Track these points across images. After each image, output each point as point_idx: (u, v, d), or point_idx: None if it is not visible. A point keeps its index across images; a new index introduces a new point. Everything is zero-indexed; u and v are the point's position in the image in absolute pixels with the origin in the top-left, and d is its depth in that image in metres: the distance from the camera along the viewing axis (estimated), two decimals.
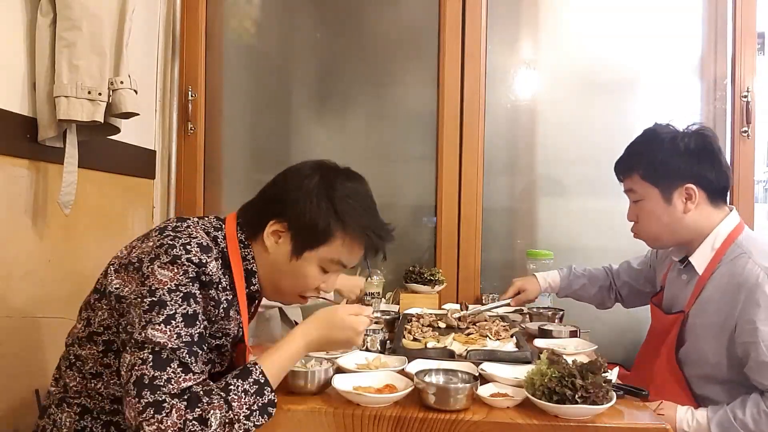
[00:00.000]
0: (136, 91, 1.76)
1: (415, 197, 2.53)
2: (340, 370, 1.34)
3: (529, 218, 2.54)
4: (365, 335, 1.53)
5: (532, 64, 2.53)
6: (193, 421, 1.03)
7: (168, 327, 1.09)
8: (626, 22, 2.47)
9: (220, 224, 1.28)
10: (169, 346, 1.08)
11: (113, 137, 1.89)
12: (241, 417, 1.07)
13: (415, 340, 1.62)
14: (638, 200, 1.67)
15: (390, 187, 2.54)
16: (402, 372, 1.33)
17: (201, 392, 1.07)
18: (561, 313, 2.08)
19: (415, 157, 2.53)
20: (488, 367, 1.36)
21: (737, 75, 2.38)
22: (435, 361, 1.41)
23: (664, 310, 1.74)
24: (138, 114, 1.79)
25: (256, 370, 1.13)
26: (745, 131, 2.37)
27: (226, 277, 1.23)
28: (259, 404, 1.10)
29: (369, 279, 2.28)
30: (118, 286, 1.18)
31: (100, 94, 1.67)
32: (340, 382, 1.24)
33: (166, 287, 1.11)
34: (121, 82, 1.71)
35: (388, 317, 1.90)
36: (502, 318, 1.89)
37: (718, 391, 1.54)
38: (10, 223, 1.63)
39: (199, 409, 1.04)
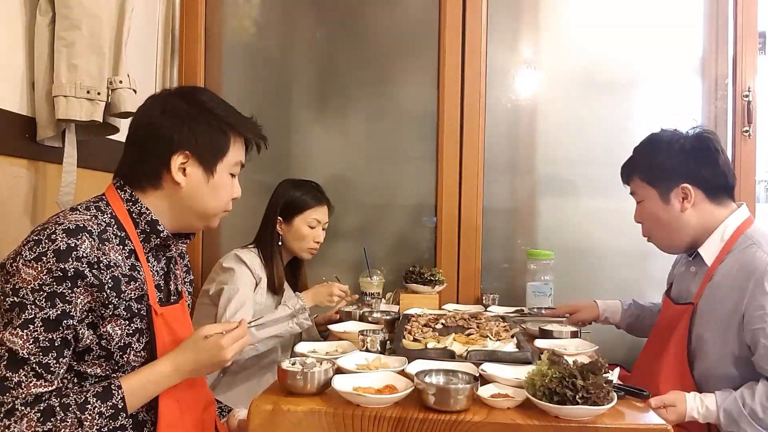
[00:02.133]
0: (135, 91, 1.75)
1: (415, 197, 2.53)
2: (340, 370, 1.33)
3: (529, 218, 2.53)
4: (365, 336, 1.53)
5: (533, 63, 2.53)
6: None
7: (25, 331, 1.07)
8: (627, 21, 2.47)
9: (99, 196, 1.28)
10: (23, 352, 1.06)
11: (112, 137, 1.89)
12: None
13: (415, 340, 1.61)
14: (640, 201, 1.73)
15: (390, 187, 2.54)
16: (402, 372, 1.32)
17: (57, 406, 1.08)
18: None
19: (415, 157, 2.53)
20: (489, 368, 1.35)
21: (738, 74, 2.38)
22: (435, 361, 1.41)
23: (673, 302, 1.76)
24: None
25: (118, 394, 1.14)
26: (747, 131, 2.37)
27: (120, 244, 1.21)
28: (110, 427, 1.13)
29: (369, 279, 2.28)
30: None
31: (99, 93, 1.66)
32: (340, 383, 1.23)
33: (29, 286, 1.08)
34: (120, 82, 1.71)
35: (388, 317, 1.89)
36: (503, 318, 1.89)
37: (724, 388, 1.54)
38: (9, 223, 1.63)
39: (50, 424, 1.06)
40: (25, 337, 1.07)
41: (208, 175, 1.29)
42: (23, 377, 1.06)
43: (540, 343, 1.64)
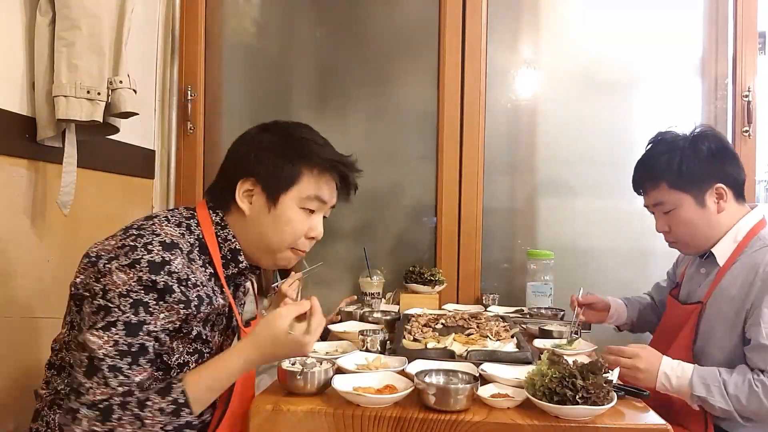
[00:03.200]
0: (135, 91, 1.75)
1: (415, 197, 2.53)
2: (340, 370, 1.33)
3: (529, 218, 2.53)
4: (365, 336, 1.53)
5: (533, 63, 2.52)
6: None
7: (106, 333, 1.07)
8: (627, 21, 2.47)
9: (191, 213, 1.27)
10: (101, 352, 1.07)
11: (112, 137, 1.89)
12: None
13: (415, 340, 1.61)
14: (669, 210, 1.66)
15: (390, 187, 2.54)
16: (402, 372, 1.32)
17: (116, 405, 1.06)
18: (562, 313, 2.07)
19: (415, 157, 2.53)
20: (488, 368, 1.35)
21: (738, 74, 2.38)
22: (435, 361, 1.41)
23: (680, 302, 1.75)
24: (137, 114, 1.78)
25: (177, 388, 1.10)
26: (746, 131, 2.37)
27: (203, 266, 1.22)
28: (175, 425, 1.10)
29: (369, 279, 2.28)
30: (78, 282, 1.18)
31: (99, 93, 1.66)
32: (340, 383, 1.23)
33: (118, 290, 1.09)
34: (120, 82, 1.71)
35: (388, 317, 1.89)
36: (503, 318, 1.89)
37: None
38: (9, 223, 1.63)
39: (110, 423, 1.05)
40: (105, 339, 1.07)
41: (271, 205, 1.24)
42: (95, 383, 1.06)
43: (540, 342, 1.64)
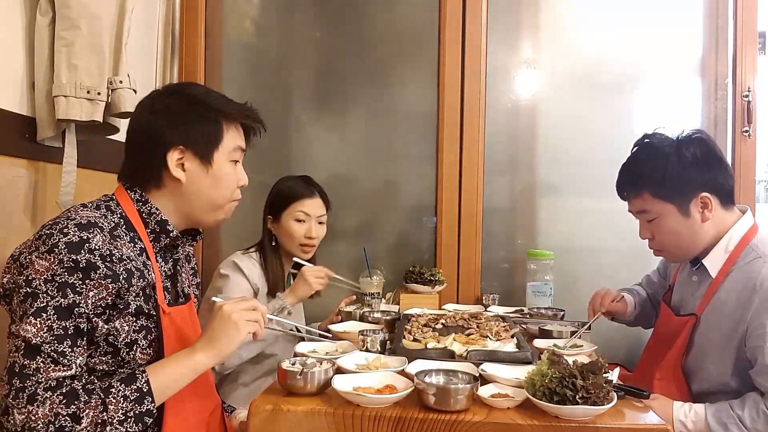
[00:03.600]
0: (135, 91, 1.75)
1: (415, 197, 2.53)
2: (340, 370, 1.33)
3: (529, 218, 2.53)
4: (365, 336, 1.53)
5: (533, 63, 2.53)
6: (66, 417, 1.06)
7: (38, 320, 1.08)
8: (627, 21, 2.47)
9: (109, 197, 1.29)
10: (37, 339, 1.07)
11: (112, 137, 1.89)
12: (114, 421, 1.09)
13: (415, 340, 1.61)
14: (653, 219, 1.63)
15: (390, 187, 2.54)
16: (402, 372, 1.32)
17: (80, 390, 1.09)
18: (562, 313, 2.07)
19: (415, 157, 2.53)
20: (488, 368, 1.35)
21: (738, 74, 2.38)
22: (435, 361, 1.41)
23: (673, 310, 1.73)
24: None
25: (142, 378, 1.14)
26: (746, 131, 2.37)
27: (131, 242, 1.23)
28: (137, 411, 1.12)
29: (369, 279, 2.28)
30: (5, 282, 1.19)
31: (99, 93, 1.66)
32: (340, 383, 1.23)
33: (42, 277, 1.10)
34: (120, 82, 1.71)
35: (388, 317, 1.89)
36: (503, 318, 1.89)
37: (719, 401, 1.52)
38: (9, 223, 1.63)
39: (74, 406, 1.07)
40: (38, 326, 1.08)
41: (207, 166, 1.29)
42: (41, 363, 1.07)
43: (540, 342, 1.63)
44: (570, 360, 1.22)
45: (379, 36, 2.59)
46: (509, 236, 2.53)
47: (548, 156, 2.51)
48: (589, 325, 1.75)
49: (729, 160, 2.36)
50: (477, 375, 1.28)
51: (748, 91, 2.37)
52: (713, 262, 1.60)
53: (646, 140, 1.68)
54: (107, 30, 1.70)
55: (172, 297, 1.35)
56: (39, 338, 1.08)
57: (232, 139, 1.33)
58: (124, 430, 1.10)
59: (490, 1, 2.46)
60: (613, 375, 1.26)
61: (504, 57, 2.51)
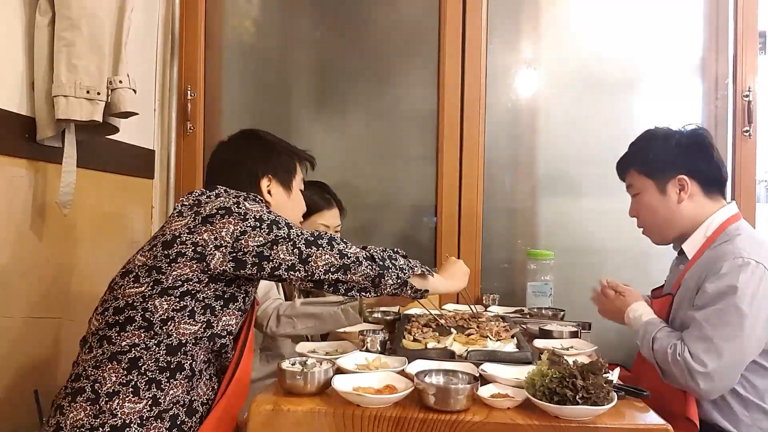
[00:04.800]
0: (134, 91, 1.75)
1: (415, 197, 2.53)
2: (340, 370, 1.33)
3: (529, 218, 2.53)
4: (365, 336, 1.53)
5: (533, 63, 2.52)
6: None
7: (297, 229, 1.31)
8: (627, 21, 2.47)
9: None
10: (327, 236, 1.32)
11: (112, 137, 1.89)
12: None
13: (415, 340, 1.61)
14: (636, 194, 1.76)
15: (390, 187, 2.54)
16: (402, 372, 1.32)
17: (372, 250, 1.37)
18: (562, 313, 2.07)
19: (415, 157, 2.52)
20: (489, 368, 1.35)
21: (739, 74, 2.38)
22: (435, 361, 1.41)
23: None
24: (137, 113, 1.78)
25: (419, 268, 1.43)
26: (747, 131, 2.37)
27: None
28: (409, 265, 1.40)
29: None
30: (206, 239, 1.26)
31: (98, 93, 1.66)
32: (340, 383, 1.23)
33: (265, 211, 1.32)
34: (120, 82, 1.71)
35: (388, 318, 1.89)
36: (503, 318, 1.89)
37: None
38: (9, 223, 1.63)
39: (381, 261, 1.35)
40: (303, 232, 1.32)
41: (288, 192, 1.55)
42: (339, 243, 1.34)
43: (540, 342, 1.64)
44: (570, 360, 1.22)
45: (380, 36, 2.59)
46: (509, 236, 2.53)
47: (548, 156, 2.51)
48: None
49: (729, 160, 2.37)
50: (477, 375, 1.28)
51: (749, 91, 2.37)
52: (692, 246, 1.68)
53: (650, 129, 1.79)
54: (107, 30, 1.70)
55: None
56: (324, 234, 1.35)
57: (300, 172, 1.61)
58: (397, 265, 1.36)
59: (490, 2, 2.46)
60: (613, 375, 1.26)
61: (504, 57, 2.51)
